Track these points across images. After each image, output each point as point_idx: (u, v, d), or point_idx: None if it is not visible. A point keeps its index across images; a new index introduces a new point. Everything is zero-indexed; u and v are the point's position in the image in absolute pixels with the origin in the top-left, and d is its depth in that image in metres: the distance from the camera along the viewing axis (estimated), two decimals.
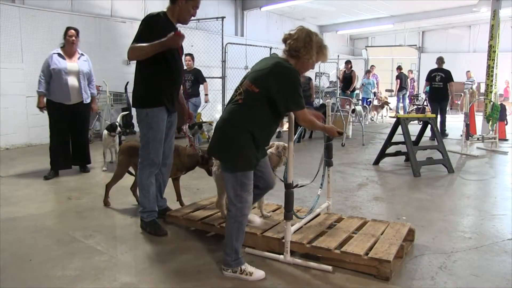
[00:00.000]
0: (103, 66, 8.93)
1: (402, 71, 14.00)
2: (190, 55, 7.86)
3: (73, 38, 5.14)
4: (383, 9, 14.58)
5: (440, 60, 9.29)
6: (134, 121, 8.91)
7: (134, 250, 3.07)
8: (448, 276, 2.72)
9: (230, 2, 12.77)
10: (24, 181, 5.06)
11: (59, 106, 5.17)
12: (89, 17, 8.85)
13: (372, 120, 13.04)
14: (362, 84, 13.67)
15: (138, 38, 3.12)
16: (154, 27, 3.12)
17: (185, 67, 7.07)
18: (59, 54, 5.13)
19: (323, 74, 14.31)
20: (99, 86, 8.38)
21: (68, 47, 5.18)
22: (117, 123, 5.85)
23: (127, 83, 8.95)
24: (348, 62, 11.95)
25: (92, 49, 8.72)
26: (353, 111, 9.38)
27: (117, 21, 9.43)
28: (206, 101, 8.34)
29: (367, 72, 14.10)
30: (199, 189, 4.78)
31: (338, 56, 12.67)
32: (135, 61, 3.29)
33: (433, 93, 9.21)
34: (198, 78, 7.79)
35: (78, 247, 3.12)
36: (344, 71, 12.03)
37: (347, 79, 11.85)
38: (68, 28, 5.22)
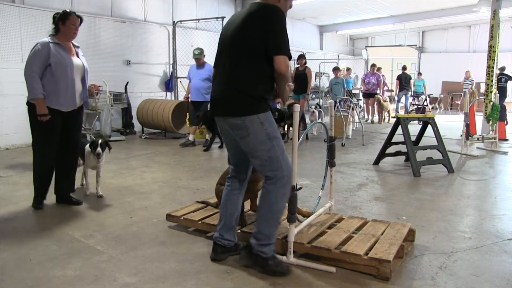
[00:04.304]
0: (103, 66, 8.94)
1: (405, 71, 13.93)
2: None
3: (77, 26, 3.91)
4: (383, 9, 14.58)
5: (504, 68, 11.85)
6: (134, 120, 9.09)
7: (134, 250, 3.07)
8: (448, 276, 2.72)
9: (230, 2, 12.77)
10: (24, 181, 5.05)
11: (54, 114, 3.82)
12: (89, 17, 8.84)
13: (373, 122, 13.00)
14: (330, 88, 11.61)
15: (285, 35, 2.56)
16: None
17: None
18: (57, 44, 3.81)
19: (323, 74, 14.32)
20: (99, 86, 8.40)
21: (69, 38, 3.90)
22: (100, 140, 4.30)
23: (127, 83, 8.96)
24: (301, 57, 9.40)
25: (92, 49, 8.75)
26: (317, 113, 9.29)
27: (117, 21, 9.43)
28: None
29: (335, 69, 11.30)
30: (198, 189, 4.77)
31: (338, 56, 12.68)
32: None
33: (500, 91, 10.91)
34: None
35: (78, 247, 3.12)
36: (297, 68, 9.50)
37: (301, 78, 9.25)
38: (70, 13, 3.84)
